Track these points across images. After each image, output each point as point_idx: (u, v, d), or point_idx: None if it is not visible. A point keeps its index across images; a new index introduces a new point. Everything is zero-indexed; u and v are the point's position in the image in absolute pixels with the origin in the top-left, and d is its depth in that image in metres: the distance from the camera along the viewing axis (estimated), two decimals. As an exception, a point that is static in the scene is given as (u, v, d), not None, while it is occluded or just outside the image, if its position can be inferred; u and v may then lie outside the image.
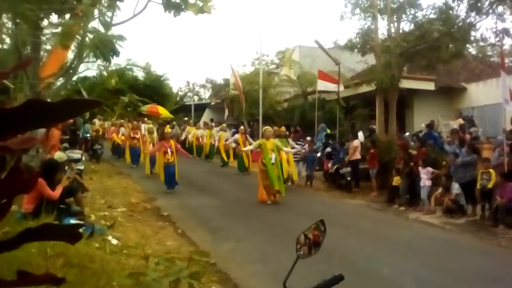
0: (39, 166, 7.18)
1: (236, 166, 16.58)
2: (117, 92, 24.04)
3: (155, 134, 16.60)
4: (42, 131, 8.84)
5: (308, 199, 11.95)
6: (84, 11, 6.45)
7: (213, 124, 21.64)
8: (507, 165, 9.71)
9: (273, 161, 10.81)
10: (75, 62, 7.62)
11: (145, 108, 21.87)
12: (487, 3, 12.05)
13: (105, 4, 6.89)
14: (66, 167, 8.19)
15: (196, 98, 41.63)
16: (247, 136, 17.40)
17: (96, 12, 6.76)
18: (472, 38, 13.22)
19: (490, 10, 12.09)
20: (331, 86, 16.55)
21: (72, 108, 1.03)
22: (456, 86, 18.68)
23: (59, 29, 7.38)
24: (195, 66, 70.90)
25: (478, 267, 6.43)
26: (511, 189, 9.01)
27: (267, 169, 10.70)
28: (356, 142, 13.27)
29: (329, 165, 13.88)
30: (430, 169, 10.82)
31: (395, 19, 14.18)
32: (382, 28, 14.42)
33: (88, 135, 19.07)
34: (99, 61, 7.75)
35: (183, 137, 21.73)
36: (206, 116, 30.16)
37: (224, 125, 21.22)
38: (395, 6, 13.96)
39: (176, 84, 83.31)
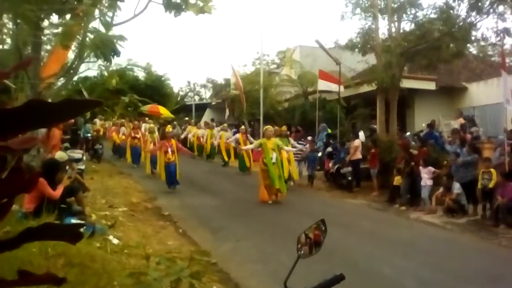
0: (40, 165, 7.20)
1: (237, 166, 16.58)
2: (118, 92, 24.05)
3: (156, 133, 16.61)
4: (43, 131, 8.84)
5: (309, 199, 11.95)
6: (84, 11, 6.45)
7: (214, 124, 21.65)
8: (508, 164, 9.70)
9: (273, 160, 10.81)
10: (76, 62, 7.63)
11: (146, 108, 21.88)
12: (487, 2, 12.03)
13: (106, 4, 6.90)
14: (67, 167, 8.21)
15: (197, 98, 41.70)
16: (248, 135, 17.40)
17: (96, 12, 6.77)
18: (472, 38, 13.20)
19: (491, 10, 12.08)
20: (332, 86, 16.52)
21: (73, 108, 1.03)
22: (457, 85, 18.66)
23: (59, 29, 7.39)
24: (196, 66, 71.05)
25: (479, 266, 6.43)
26: (512, 188, 9.00)
27: (268, 168, 10.70)
28: (357, 142, 13.27)
29: (330, 164, 13.87)
30: (431, 168, 10.81)
31: (395, 19, 14.17)
32: (383, 27, 14.43)
33: (89, 135, 19.07)
34: (100, 61, 7.76)
35: (182, 136, 21.76)
36: (207, 116, 30.16)
37: (225, 125, 21.22)
38: (395, 5, 13.94)
39: (177, 84, 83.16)
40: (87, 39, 6.64)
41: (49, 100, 4.92)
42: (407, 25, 14.34)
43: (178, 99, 39.53)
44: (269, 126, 12.20)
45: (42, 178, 6.20)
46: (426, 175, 10.71)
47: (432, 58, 13.39)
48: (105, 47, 6.20)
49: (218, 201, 11.08)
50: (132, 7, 6.83)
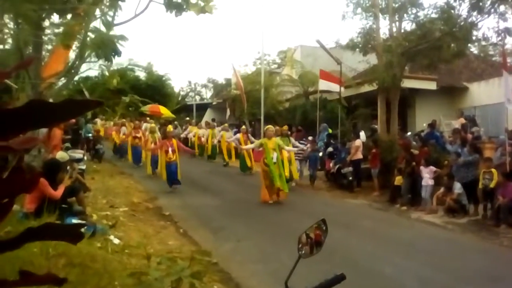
0: (41, 166, 7.20)
1: (238, 166, 16.58)
2: (119, 92, 24.08)
3: (158, 133, 16.62)
4: (44, 131, 8.86)
5: (310, 199, 11.95)
6: (85, 11, 6.47)
7: (215, 124, 21.65)
8: (509, 164, 9.70)
9: (274, 160, 10.80)
10: (77, 62, 7.65)
11: (147, 108, 21.88)
12: (488, 2, 12.01)
13: (107, 4, 6.91)
14: (68, 167, 8.21)
15: (197, 98, 41.69)
16: (249, 135, 17.39)
17: (97, 11, 6.78)
18: (474, 38, 13.18)
19: (492, 10, 12.06)
20: (333, 86, 16.51)
21: (73, 108, 1.03)
22: (458, 85, 18.64)
23: (60, 29, 7.40)
24: (196, 66, 70.96)
25: (480, 266, 6.42)
26: (513, 188, 8.99)
27: (269, 169, 10.70)
28: (358, 142, 13.26)
29: (331, 164, 13.86)
30: (433, 168, 10.81)
31: (396, 19, 14.16)
32: (384, 27, 14.42)
33: (90, 134, 19.06)
34: (101, 61, 7.77)
35: (182, 135, 21.76)
36: (208, 116, 30.16)
37: (226, 124, 21.23)
38: (396, 5, 13.93)
39: (178, 84, 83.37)
40: (88, 39, 6.64)
41: (50, 100, 4.92)
42: (408, 25, 14.35)
43: (179, 99, 39.51)
44: (270, 126, 12.16)
45: (43, 178, 6.20)
46: (427, 175, 10.71)
47: (433, 58, 13.38)
48: (106, 47, 6.21)
49: (219, 201, 11.08)
50: (133, 7, 6.85)
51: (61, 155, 8.54)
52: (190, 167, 15.32)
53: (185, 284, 3.72)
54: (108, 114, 26.26)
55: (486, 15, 12.23)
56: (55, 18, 7.40)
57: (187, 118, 26.94)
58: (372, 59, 14.74)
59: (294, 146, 13.21)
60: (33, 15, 6.12)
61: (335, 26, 59.47)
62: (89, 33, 6.65)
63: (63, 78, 8.53)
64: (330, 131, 16.38)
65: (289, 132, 14.80)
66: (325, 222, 1.88)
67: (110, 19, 6.74)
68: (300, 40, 54.32)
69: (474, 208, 9.88)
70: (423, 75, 16.98)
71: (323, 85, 16.87)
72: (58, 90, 8.65)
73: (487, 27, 12.70)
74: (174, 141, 12.74)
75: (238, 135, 17.13)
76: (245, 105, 21.49)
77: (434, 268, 6.17)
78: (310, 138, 15.19)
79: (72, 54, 8.27)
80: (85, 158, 13.59)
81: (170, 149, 12.24)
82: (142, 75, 34.04)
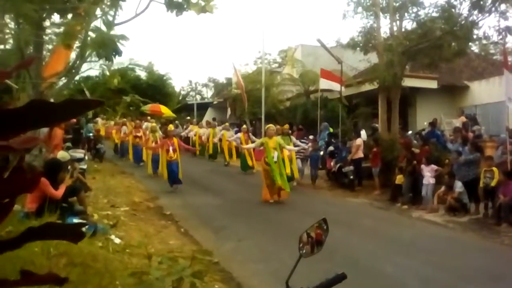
0: (42, 165, 7.21)
1: (239, 165, 16.58)
2: (120, 91, 24.04)
3: (159, 132, 16.62)
4: (45, 130, 8.86)
5: (311, 198, 11.95)
6: (86, 11, 6.47)
7: (216, 123, 21.65)
8: (510, 163, 9.69)
9: (275, 159, 10.80)
10: (78, 62, 7.65)
11: (148, 107, 21.89)
12: (489, 1, 11.99)
13: (108, 4, 6.91)
14: (69, 167, 8.21)
15: (198, 97, 41.73)
16: (250, 135, 17.40)
17: (98, 11, 6.78)
18: (474, 36, 13.16)
19: (493, 8, 12.04)
20: (334, 85, 16.49)
21: (74, 108, 1.03)
22: (458, 84, 18.64)
23: (61, 29, 7.40)
24: (197, 65, 71.05)
25: (481, 265, 6.42)
26: (514, 187, 8.99)
27: (270, 168, 10.69)
28: (358, 141, 13.26)
29: (332, 164, 13.86)
30: (434, 166, 10.80)
31: (397, 18, 14.14)
32: (385, 26, 14.40)
33: (91, 134, 19.08)
34: (102, 61, 7.77)
35: (183, 134, 21.77)
36: (209, 115, 30.18)
37: (227, 124, 21.23)
38: (397, 4, 13.91)
39: (179, 83, 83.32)
40: (89, 38, 6.65)
41: (51, 100, 4.93)
42: (409, 24, 14.32)
43: (180, 98, 39.57)
44: (271, 125, 12.16)
45: (44, 178, 6.21)
46: (428, 173, 10.69)
47: (434, 56, 13.36)
48: (107, 47, 6.22)
49: (220, 200, 11.08)
50: (134, 7, 6.85)
51: (62, 154, 8.55)
52: (191, 166, 15.34)
53: (186, 284, 3.72)
54: (109, 113, 26.24)
55: (487, 14, 12.22)
56: (56, 18, 7.41)
57: (188, 118, 26.95)
58: (373, 58, 14.73)
59: (295, 145, 13.18)
60: (34, 15, 6.12)
61: (336, 25, 59.72)
62: (90, 33, 6.65)
63: (64, 78, 8.54)
64: (331, 130, 16.37)
65: (290, 131, 14.78)
66: (326, 221, 1.88)
67: (110, 18, 6.75)
68: (301, 39, 54.41)
69: (475, 207, 9.87)
70: (424, 74, 16.97)
71: (324, 84, 16.86)
72: (59, 90, 8.66)
73: (488, 25, 12.78)
74: (175, 140, 12.74)
75: (239, 134, 17.14)
76: (246, 104, 21.49)
77: (435, 267, 6.17)
78: (311, 137, 15.20)
79: (73, 54, 8.27)
80: (86, 157, 13.59)
81: (171, 148, 12.24)
82: (143, 74, 34.11)
